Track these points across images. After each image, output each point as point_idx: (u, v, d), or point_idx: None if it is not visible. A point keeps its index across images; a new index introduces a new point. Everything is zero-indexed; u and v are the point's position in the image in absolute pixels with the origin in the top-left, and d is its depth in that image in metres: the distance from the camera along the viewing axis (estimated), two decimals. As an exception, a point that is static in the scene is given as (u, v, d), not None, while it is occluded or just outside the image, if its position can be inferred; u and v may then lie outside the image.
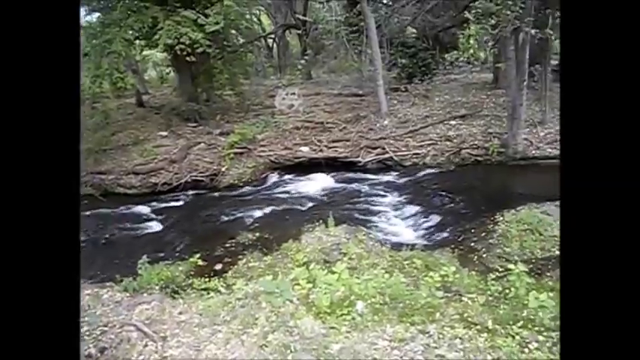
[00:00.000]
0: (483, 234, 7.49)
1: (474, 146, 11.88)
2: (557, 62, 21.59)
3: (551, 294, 4.83)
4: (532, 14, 10.38)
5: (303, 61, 17.33)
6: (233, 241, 8.16)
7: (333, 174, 11.90)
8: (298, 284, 4.87)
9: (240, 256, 7.39)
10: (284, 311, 4.39)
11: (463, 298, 4.87)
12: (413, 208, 9.31)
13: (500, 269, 6.17)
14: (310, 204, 10.03)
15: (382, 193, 10.43)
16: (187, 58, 12.71)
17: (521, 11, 9.92)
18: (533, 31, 10.16)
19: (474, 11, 10.19)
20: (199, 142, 13.42)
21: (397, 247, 7.28)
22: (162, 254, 7.92)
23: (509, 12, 9.76)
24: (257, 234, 8.35)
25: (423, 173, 11.45)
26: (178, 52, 12.38)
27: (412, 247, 7.06)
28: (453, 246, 7.34)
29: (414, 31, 20.37)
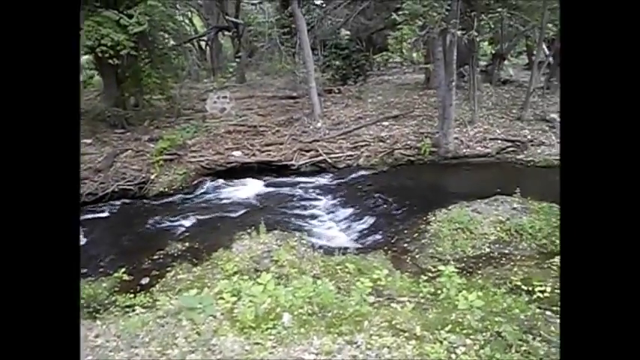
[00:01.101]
0: (416, 234, 7.50)
1: (407, 146, 12.00)
2: (486, 63, 22.36)
3: (480, 293, 4.83)
4: (458, 17, 10.56)
5: (234, 64, 16.97)
6: (161, 252, 7.76)
7: (266, 178, 11.66)
8: (222, 298, 4.61)
9: (168, 269, 7.03)
10: (206, 328, 4.13)
11: (393, 304, 4.77)
12: (347, 211, 9.23)
13: (433, 270, 6.16)
14: (243, 210, 9.75)
15: (316, 196, 10.31)
16: (111, 61, 12.04)
17: (447, 13, 10.08)
18: (459, 33, 10.36)
19: (401, 13, 10.26)
20: (127, 150, 12.75)
21: (330, 251, 7.15)
22: (85, 270, 7.40)
23: (435, 14, 9.91)
24: (187, 244, 8.00)
25: (356, 175, 11.42)
26: (100, 55, 11.73)
27: (345, 251, 6.94)
28: (386, 248, 7.30)
29: (348, 32, 20.47)
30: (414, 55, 21.87)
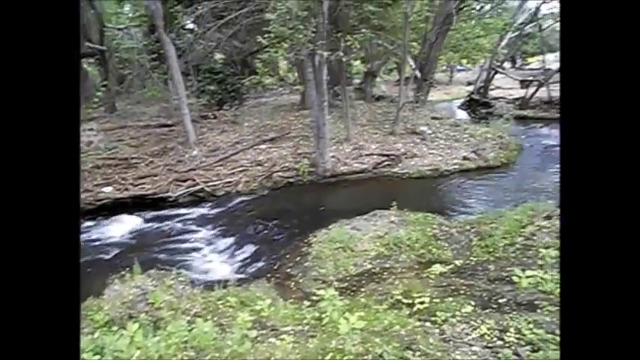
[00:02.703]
0: (298, 258, 7.38)
1: (285, 168, 11.95)
2: (359, 81, 23.29)
3: (362, 313, 4.78)
4: (325, 38, 10.76)
5: (101, 93, 16.02)
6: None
7: (141, 213, 10.96)
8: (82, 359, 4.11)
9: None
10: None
11: (271, 340, 4.56)
12: (227, 240, 8.91)
13: (317, 293, 6.06)
14: (116, 250, 9.04)
15: (195, 228, 9.86)
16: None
17: (314, 35, 10.23)
18: (326, 54, 10.56)
19: (267, 36, 10.26)
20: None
21: (211, 286, 6.78)
22: None
23: (302, 36, 10.01)
24: (50, 296, 7.18)
25: (236, 201, 11.13)
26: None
27: (226, 283, 6.62)
28: (269, 275, 7.10)
29: (222, 56, 20.22)
30: (290, 76, 22.20)
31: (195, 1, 15.53)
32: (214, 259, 8.35)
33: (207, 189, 11.55)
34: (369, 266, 6.95)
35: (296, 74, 20.19)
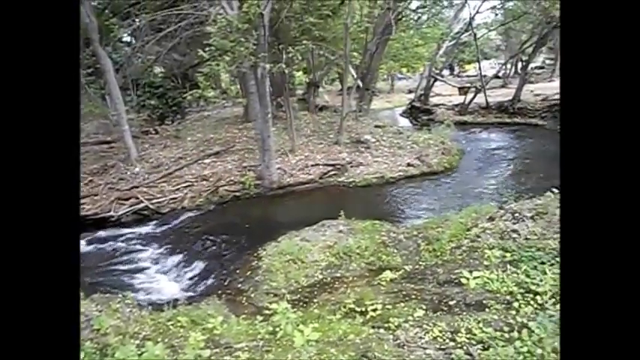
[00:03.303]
0: (249, 272, 7.28)
1: (231, 182, 11.80)
2: (302, 92, 23.38)
3: (316, 325, 4.77)
4: (267, 50, 10.75)
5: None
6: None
7: (82, 235, 10.52)
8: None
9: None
10: None
11: (225, 358, 4.46)
12: (175, 258, 8.67)
13: (270, 307, 5.99)
14: (57, 275, 8.62)
15: (140, 247, 9.54)
16: None
17: (255, 48, 10.19)
18: (268, 66, 10.54)
19: (208, 50, 10.14)
20: None
21: (159, 306, 6.57)
22: None
23: (243, 49, 9.95)
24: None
25: (182, 218, 10.87)
26: None
27: (176, 303, 6.43)
28: (220, 292, 6.95)
29: (162, 70, 19.82)
30: (232, 88, 22.03)
31: (132, 13, 15.17)
32: (162, 278, 8.11)
33: (151, 206, 11.23)
34: (321, 276, 6.94)
35: (238, 87, 20.07)
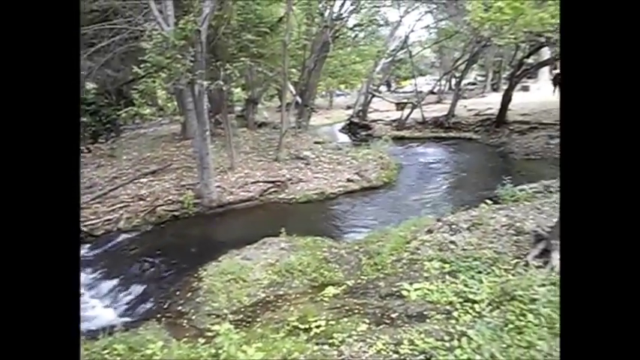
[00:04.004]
0: (190, 294, 7.10)
1: (169, 201, 11.49)
2: (241, 108, 23.25)
3: (260, 344, 4.71)
4: (204, 67, 10.64)
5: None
6: None
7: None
8: None
9: None
10: None
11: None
12: (110, 283, 8.30)
13: (212, 329, 5.85)
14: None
15: (73, 272, 9.11)
16: None
17: (192, 64, 10.07)
18: (205, 83, 10.44)
19: (143, 66, 9.93)
20: None
21: (94, 334, 6.27)
22: None
23: (180, 65, 9.81)
24: None
25: (117, 240, 10.44)
26: None
27: (112, 330, 6.16)
28: (159, 315, 6.72)
29: (94, 86, 19.19)
30: (169, 105, 21.60)
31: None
32: (97, 304, 7.74)
33: (84, 229, 10.74)
34: (263, 295, 6.86)
35: (175, 104, 19.73)
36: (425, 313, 5.21)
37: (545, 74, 30.40)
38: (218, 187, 11.79)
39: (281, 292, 6.86)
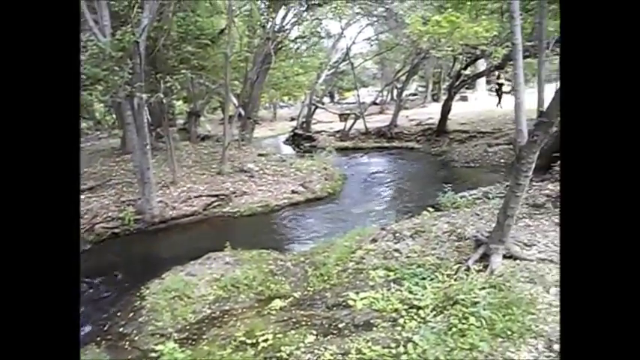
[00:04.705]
0: (132, 314, 6.85)
1: (108, 218, 11.08)
2: (183, 121, 22.84)
3: (206, 362, 4.62)
4: (143, 79, 10.40)
5: None
6: None
7: None
8: None
9: None
10: None
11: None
12: (46, 306, 7.93)
13: (156, 349, 5.67)
14: None
15: (4, 296, 8.63)
16: None
17: (131, 77, 9.83)
18: (145, 96, 10.21)
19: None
20: None
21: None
22: None
23: (117, 77, 9.55)
24: None
25: (54, 260, 10.01)
26: None
27: (47, 356, 5.85)
28: (99, 339, 6.44)
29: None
30: (107, 119, 21.00)
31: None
32: (31, 329, 7.36)
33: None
34: (209, 311, 6.72)
35: (114, 117, 19.19)
36: (371, 321, 5.27)
37: (482, 85, 31.66)
38: (160, 202, 11.49)
39: (227, 308, 6.74)
